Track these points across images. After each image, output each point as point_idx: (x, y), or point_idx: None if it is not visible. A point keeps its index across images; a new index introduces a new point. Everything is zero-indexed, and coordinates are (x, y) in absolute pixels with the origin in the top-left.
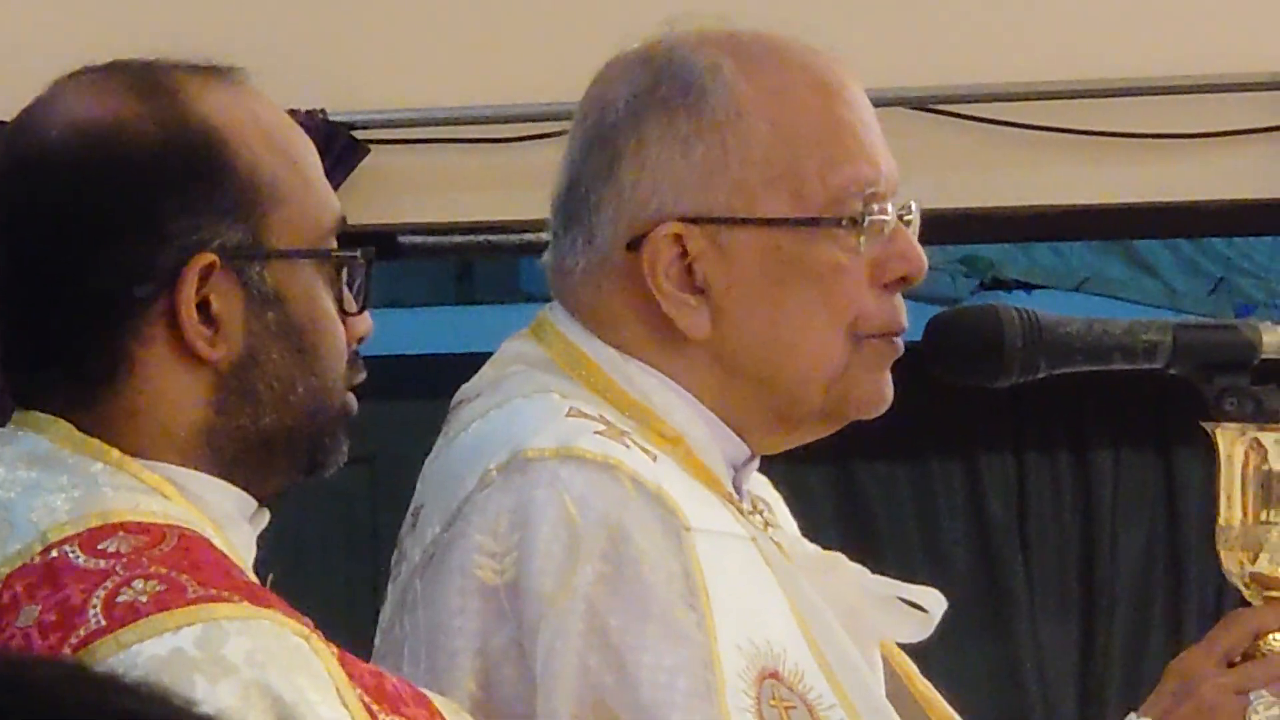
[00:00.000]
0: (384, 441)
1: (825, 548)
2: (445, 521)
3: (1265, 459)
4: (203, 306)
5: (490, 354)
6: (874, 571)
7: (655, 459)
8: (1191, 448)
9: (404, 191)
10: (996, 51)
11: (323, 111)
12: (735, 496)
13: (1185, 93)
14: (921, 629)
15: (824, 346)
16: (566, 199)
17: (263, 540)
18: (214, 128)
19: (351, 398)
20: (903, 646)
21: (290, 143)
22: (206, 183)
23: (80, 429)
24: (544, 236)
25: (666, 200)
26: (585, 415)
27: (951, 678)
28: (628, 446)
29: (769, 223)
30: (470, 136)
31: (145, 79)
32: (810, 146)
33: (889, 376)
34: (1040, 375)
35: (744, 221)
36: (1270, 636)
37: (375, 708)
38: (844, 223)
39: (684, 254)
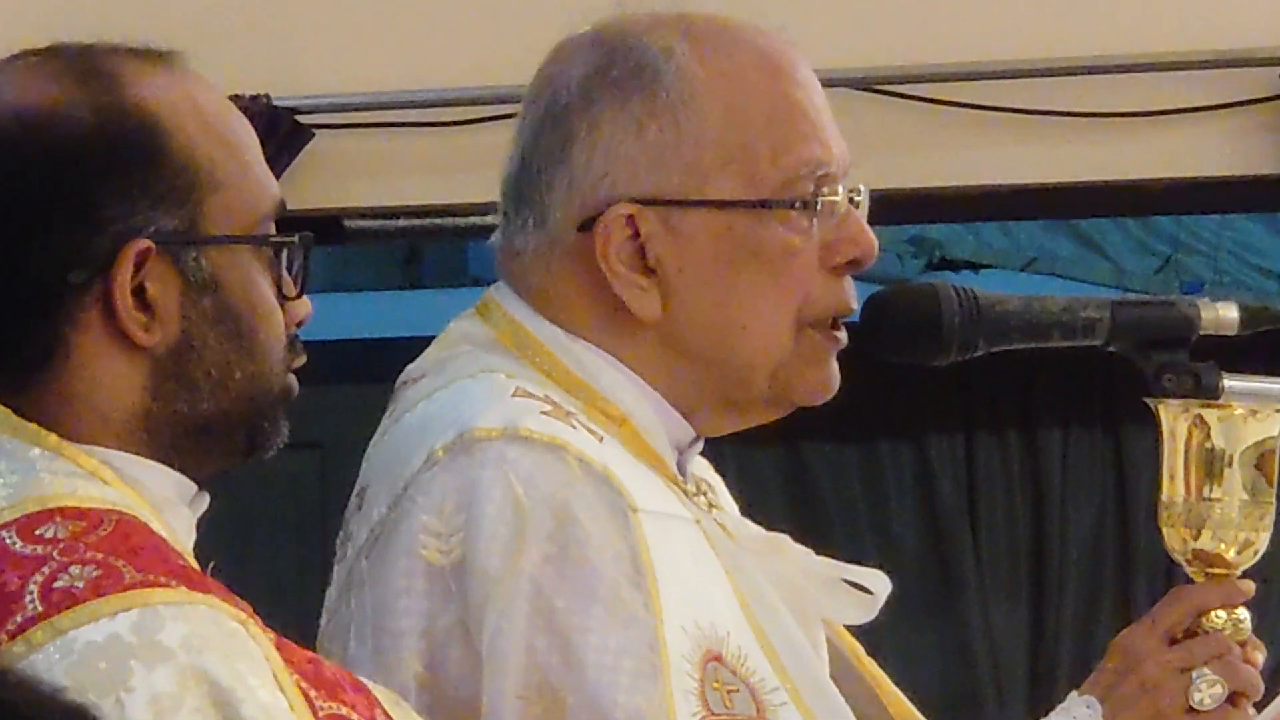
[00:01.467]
0: (332, 426)
1: (774, 529)
2: (391, 501)
3: (1208, 435)
4: (139, 292)
5: None
6: (823, 553)
7: (601, 440)
8: (1140, 426)
9: (350, 175)
10: (942, 31)
11: (267, 96)
12: (679, 478)
13: (1132, 71)
14: (866, 611)
15: (772, 330)
16: (517, 179)
17: (212, 525)
18: (151, 113)
19: (292, 379)
20: (853, 628)
21: (228, 127)
22: (142, 168)
23: (17, 414)
24: (492, 220)
25: (619, 181)
26: (531, 395)
27: (902, 658)
28: (574, 427)
29: (721, 205)
30: (416, 120)
31: (83, 63)
32: (762, 129)
33: (833, 366)
34: (980, 353)
35: (696, 203)
36: (1213, 614)
37: (313, 694)
38: (796, 204)
39: (636, 235)
